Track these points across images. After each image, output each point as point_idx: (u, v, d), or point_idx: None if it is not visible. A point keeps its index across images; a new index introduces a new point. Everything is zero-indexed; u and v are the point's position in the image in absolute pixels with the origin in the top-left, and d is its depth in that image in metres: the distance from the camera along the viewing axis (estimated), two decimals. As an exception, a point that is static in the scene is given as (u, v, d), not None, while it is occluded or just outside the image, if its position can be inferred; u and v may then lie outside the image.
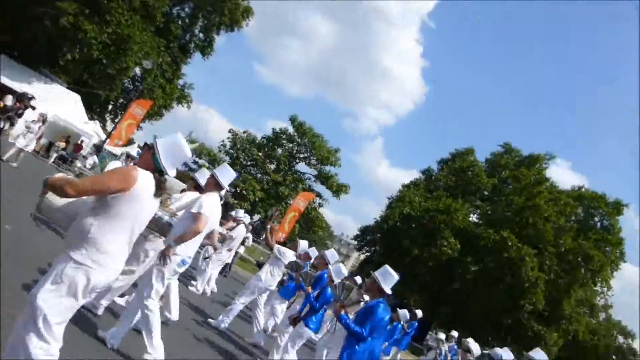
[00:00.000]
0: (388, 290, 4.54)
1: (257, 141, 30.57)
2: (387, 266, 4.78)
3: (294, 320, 6.16)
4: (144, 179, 2.76)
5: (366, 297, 5.82)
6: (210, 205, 4.52)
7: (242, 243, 12.39)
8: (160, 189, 2.89)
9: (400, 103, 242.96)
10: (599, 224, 33.58)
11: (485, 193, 34.88)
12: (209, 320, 7.27)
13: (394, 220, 30.26)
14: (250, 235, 13.20)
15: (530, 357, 7.23)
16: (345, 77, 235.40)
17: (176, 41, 25.98)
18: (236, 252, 12.74)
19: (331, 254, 7.44)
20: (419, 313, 12.62)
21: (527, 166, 34.50)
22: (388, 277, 4.62)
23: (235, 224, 9.84)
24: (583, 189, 35.10)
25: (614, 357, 38.73)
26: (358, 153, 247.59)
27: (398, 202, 31.69)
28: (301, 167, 33.64)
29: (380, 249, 34.93)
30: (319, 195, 30.95)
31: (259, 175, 30.12)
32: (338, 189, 30.15)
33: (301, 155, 31.20)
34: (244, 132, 32.06)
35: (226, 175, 4.76)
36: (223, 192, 5.04)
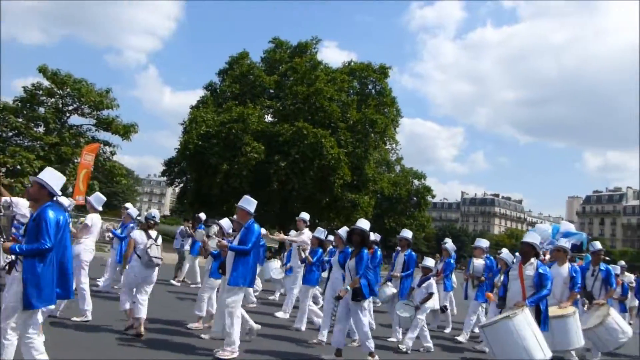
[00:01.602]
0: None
1: (9, 107, 26.13)
2: (246, 196, 6.56)
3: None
4: None
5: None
6: None
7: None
8: None
9: (161, 24, 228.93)
10: (373, 90, 37.18)
11: (271, 91, 35.65)
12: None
13: (194, 144, 29.49)
14: None
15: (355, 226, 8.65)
16: (91, 11, 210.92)
17: None
18: None
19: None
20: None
21: (299, 55, 35.86)
22: (248, 202, 6.49)
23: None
24: (352, 63, 38.06)
25: (414, 198, 45.18)
26: (134, 88, 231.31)
27: (192, 125, 30.75)
28: (75, 120, 30.07)
29: (191, 175, 34.19)
30: (106, 143, 28.30)
31: (28, 144, 26.21)
32: (125, 131, 27.81)
33: (70, 108, 27.70)
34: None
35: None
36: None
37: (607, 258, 12.61)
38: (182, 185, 38.44)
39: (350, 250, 6.81)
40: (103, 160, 28.24)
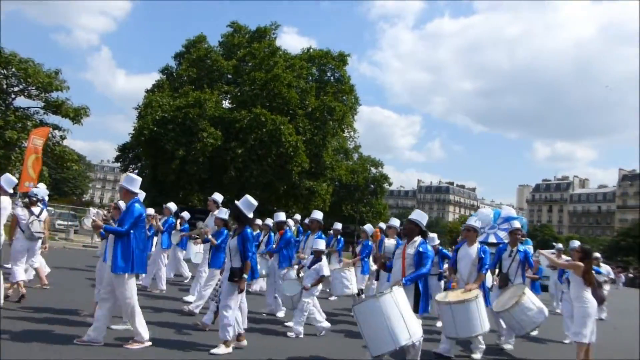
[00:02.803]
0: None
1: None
2: (129, 174, 6.00)
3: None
4: None
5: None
6: None
7: None
8: None
9: (115, 4, 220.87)
10: (331, 78, 37.23)
11: (229, 76, 35.13)
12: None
13: (150, 129, 28.78)
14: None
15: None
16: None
17: None
18: None
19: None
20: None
21: (258, 40, 35.42)
22: (131, 180, 5.94)
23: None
24: (312, 50, 37.93)
25: (372, 186, 45.78)
26: (86, 70, 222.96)
27: (147, 109, 29.98)
28: (21, 102, 28.69)
29: (146, 161, 33.42)
30: (56, 127, 27.16)
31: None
32: (76, 114, 26.63)
33: (15, 89, 26.41)
34: None
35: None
36: None
37: (525, 238, 13.12)
38: (136, 171, 37.51)
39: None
40: (52, 145, 27.10)
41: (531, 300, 7.05)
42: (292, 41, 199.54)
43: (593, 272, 6.73)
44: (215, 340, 5.88)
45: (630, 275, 46.05)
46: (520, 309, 6.94)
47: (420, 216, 6.03)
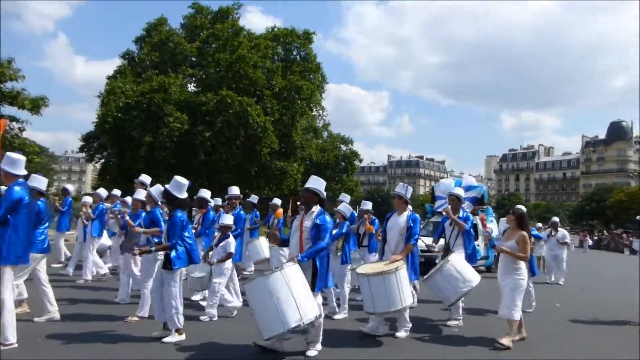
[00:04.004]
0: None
1: None
2: (8, 154, 5.45)
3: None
4: None
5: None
6: None
7: None
8: None
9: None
10: (297, 56, 36.85)
11: (193, 59, 34.38)
12: None
13: (114, 116, 28.06)
14: None
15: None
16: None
17: None
18: None
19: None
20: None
21: (221, 21, 34.70)
22: (11, 161, 5.32)
23: None
24: (276, 29, 37.37)
25: (342, 163, 45.80)
26: (42, 58, 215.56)
27: (110, 96, 29.17)
28: (-28, 93, 27.53)
29: (112, 149, 32.63)
30: (13, 119, 26.18)
31: None
32: (34, 105, 25.68)
33: (-34, 80, 25.39)
34: None
35: None
36: None
37: (486, 206, 13.36)
38: (102, 160, 36.64)
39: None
40: (11, 138, 26.16)
41: (455, 268, 6.59)
42: (256, 20, 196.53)
43: (532, 238, 6.34)
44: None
45: (595, 238, 47.72)
46: (442, 277, 6.58)
47: (318, 183, 5.42)
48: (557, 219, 14.58)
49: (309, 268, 5.08)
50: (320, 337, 5.23)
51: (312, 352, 5.17)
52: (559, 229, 13.82)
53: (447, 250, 7.33)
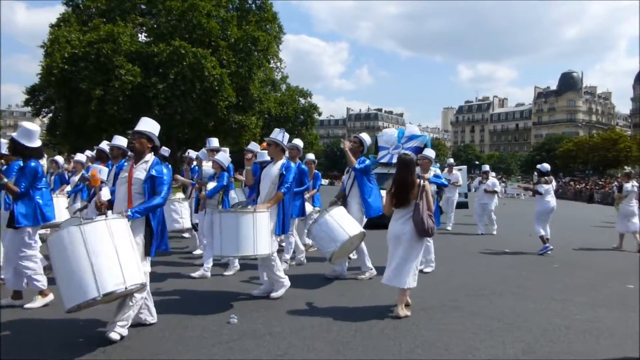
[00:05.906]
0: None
1: None
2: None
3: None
4: None
5: None
6: None
7: None
8: None
9: None
10: (253, 5, 35.66)
11: (143, 7, 32.76)
12: None
13: (60, 68, 26.69)
14: None
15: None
16: None
17: None
18: None
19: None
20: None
21: (171, -34, 32.97)
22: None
23: None
24: (230, -23, 35.86)
25: (301, 117, 45.54)
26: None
27: (54, 46, 27.62)
28: None
29: (60, 103, 31.20)
30: (-51, 71, 24.74)
31: None
32: (-28, 56, 24.44)
33: None
34: None
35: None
36: None
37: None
38: (51, 114, 35.08)
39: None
40: (-51, 91, 24.70)
41: (328, 223, 6.21)
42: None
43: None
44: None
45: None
46: (318, 227, 6.29)
47: (151, 126, 4.52)
48: (488, 167, 14.42)
49: (141, 226, 4.23)
50: (130, 321, 4.16)
51: (114, 335, 4.01)
52: (490, 177, 13.56)
53: (343, 200, 6.91)
